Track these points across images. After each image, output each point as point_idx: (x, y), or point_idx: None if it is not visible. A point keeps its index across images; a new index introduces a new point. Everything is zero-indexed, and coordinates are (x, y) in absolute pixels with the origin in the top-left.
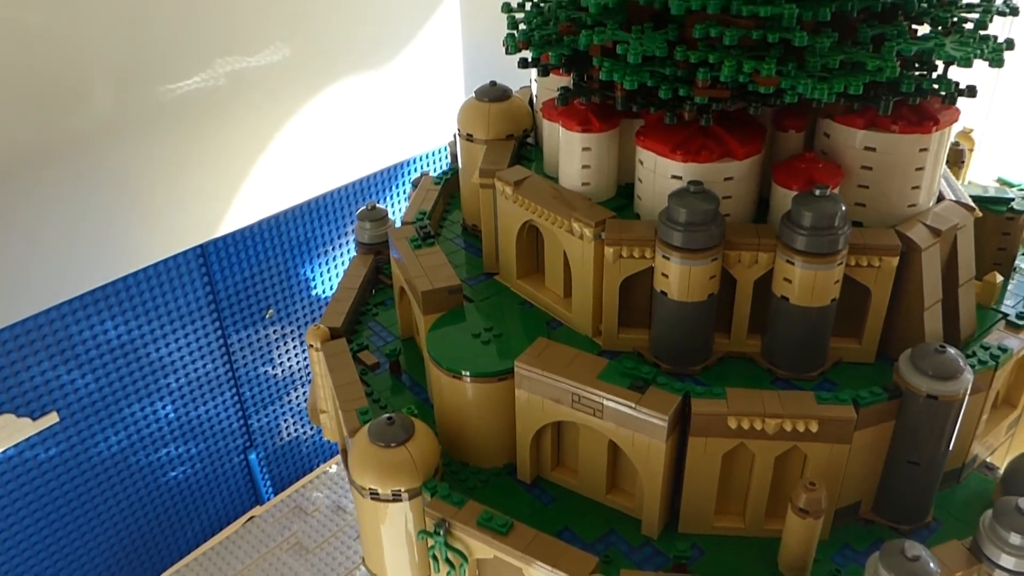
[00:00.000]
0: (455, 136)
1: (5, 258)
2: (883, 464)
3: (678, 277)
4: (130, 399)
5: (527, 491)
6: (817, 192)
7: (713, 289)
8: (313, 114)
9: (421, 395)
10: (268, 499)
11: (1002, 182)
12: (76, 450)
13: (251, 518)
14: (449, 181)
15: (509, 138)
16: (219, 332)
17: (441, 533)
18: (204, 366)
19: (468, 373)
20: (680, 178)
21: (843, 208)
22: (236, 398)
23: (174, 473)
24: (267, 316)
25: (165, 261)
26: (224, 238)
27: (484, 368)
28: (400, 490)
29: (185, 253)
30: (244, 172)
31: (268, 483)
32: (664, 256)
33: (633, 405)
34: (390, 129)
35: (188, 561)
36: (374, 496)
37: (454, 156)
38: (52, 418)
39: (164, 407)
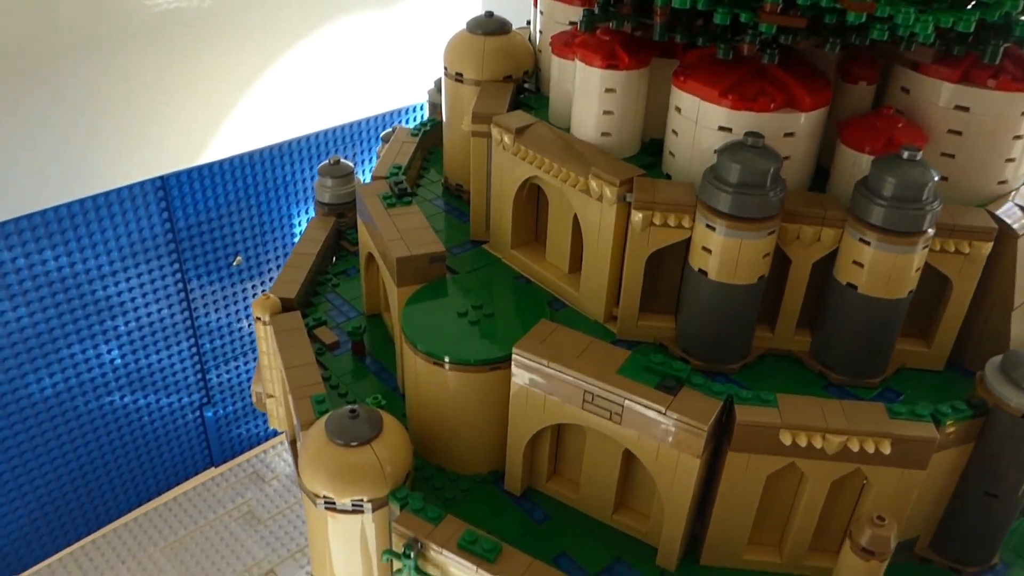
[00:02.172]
0: (436, 83)
1: None
2: (951, 494)
3: (723, 252)
4: (70, 339)
5: (516, 505)
6: (905, 155)
7: (764, 270)
8: (302, 49)
9: (389, 382)
10: (223, 461)
11: None
12: (3, 388)
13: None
14: (428, 134)
15: (507, 79)
16: (178, 276)
17: (412, 556)
18: (159, 311)
19: (450, 359)
20: (729, 130)
21: (935, 177)
22: (194, 350)
23: (119, 424)
24: (235, 263)
25: (119, 190)
26: (189, 172)
27: (471, 354)
28: (362, 500)
29: (143, 184)
30: (220, 103)
31: (224, 444)
32: (707, 225)
33: (663, 409)
34: (387, 73)
35: (127, 520)
36: (329, 505)
37: (434, 107)
38: None
39: (110, 351)
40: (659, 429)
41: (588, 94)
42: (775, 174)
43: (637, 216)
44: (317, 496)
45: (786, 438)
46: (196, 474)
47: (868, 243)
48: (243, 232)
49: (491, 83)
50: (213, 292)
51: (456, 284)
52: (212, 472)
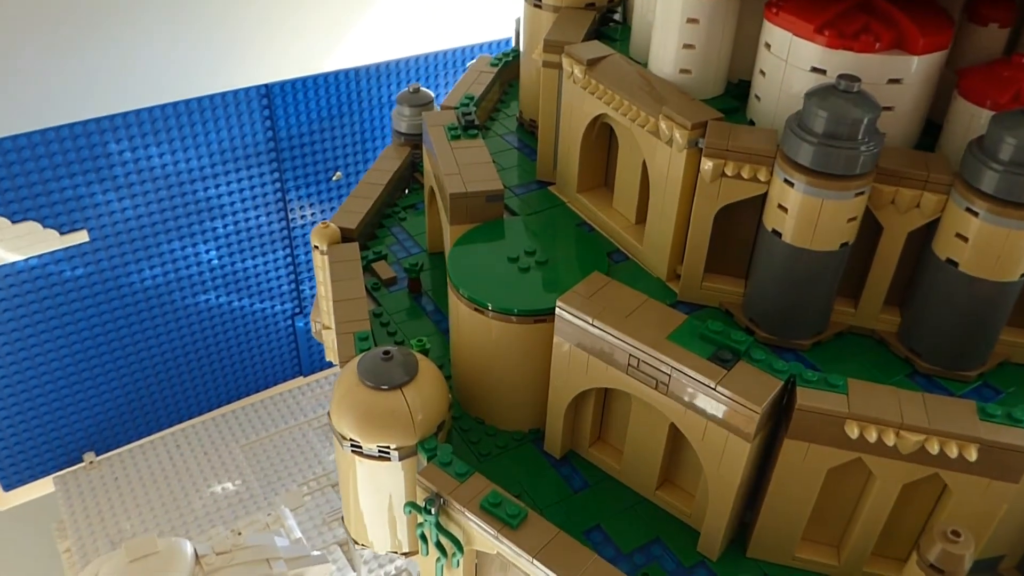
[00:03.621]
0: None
1: (52, 58)
2: None
3: (801, 213)
4: (171, 235)
5: (555, 468)
6: None
7: (848, 236)
8: None
9: (442, 324)
10: (311, 372)
11: None
12: (106, 275)
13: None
14: (510, 64)
15: (589, 7)
16: (277, 185)
17: (432, 512)
18: (257, 217)
19: (493, 307)
20: (823, 72)
21: None
22: (289, 259)
23: (213, 323)
24: (334, 178)
25: (224, 94)
26: (293, 82)
27: (516, 303)
28: (388, 447)
29: (247, 90)
30: (330, 16)
31: (314, 355)
32: (786, 180)
33: (713, 384)
34: None
35: (214, 415)
36: (355, 449)
37: (519, 35)
38: (81, 236)
39: (208, 251)
40: (708, 405)
41: (668, 24)
42: (870, 125)
43: (707, 164)
44: (344, 438)
45: (852, 430)
46: (284, 381)
47: (976, 213)
48: (344, 148)
49: (571, 9)
50: (311, 204)
51: (512, 226)
52: (300, 381)
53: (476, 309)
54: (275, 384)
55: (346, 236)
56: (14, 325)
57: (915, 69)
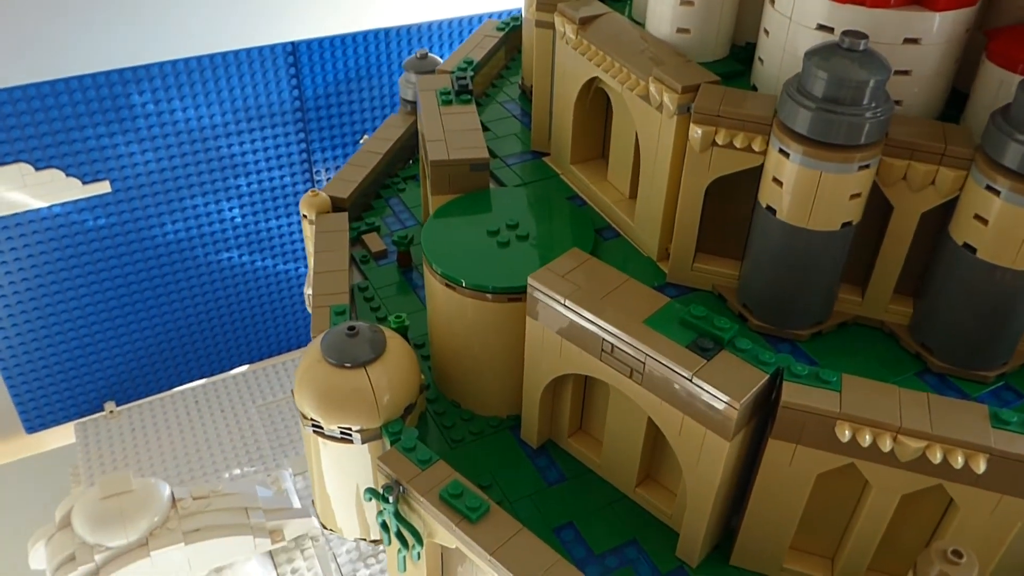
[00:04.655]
0: None
1: (79, 7)
2: None
3: (797, 186)
4: (193, 190)
5: (531, 459)
6: None
7: (852, 216)
8: None
9: None
10: None
11: None
12: (128, 227)
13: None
14: (518, 29)
15: None
16: (303, 145)
17: (390, 500)
18: (282, 178)
19: (467, 283)
20: (831, 30)
21: None
22: None
23: (236, 280)
24: (361, 141)
25: (249, 50)
26: (320, 40)
27: (491, 279)
28: (350, 428)
29: (273, 47)
30: None
31: None
32: (781, 150)
33: (690, 375)
34: None
35: (234, 373)
36: (316, 430)
37: None
38: (104, 187)
39: (231, 208)
40: (685, 398)
41: None
42: (877, 89)
43: (696, 132)
44: (305, 417)
45: (843, 432)
46: (299, 347)
47: (997, 192)
48: (372, 111)
49: None
50: (337, 165)
51: (498, 198)
52: None
53: (449, 285)
54: (298, 347)
55: (337, 206)
56: (37, 271)
57: (936, 28)
